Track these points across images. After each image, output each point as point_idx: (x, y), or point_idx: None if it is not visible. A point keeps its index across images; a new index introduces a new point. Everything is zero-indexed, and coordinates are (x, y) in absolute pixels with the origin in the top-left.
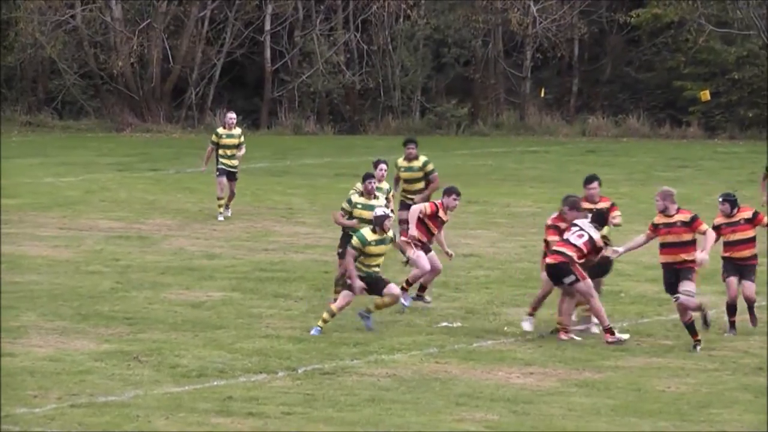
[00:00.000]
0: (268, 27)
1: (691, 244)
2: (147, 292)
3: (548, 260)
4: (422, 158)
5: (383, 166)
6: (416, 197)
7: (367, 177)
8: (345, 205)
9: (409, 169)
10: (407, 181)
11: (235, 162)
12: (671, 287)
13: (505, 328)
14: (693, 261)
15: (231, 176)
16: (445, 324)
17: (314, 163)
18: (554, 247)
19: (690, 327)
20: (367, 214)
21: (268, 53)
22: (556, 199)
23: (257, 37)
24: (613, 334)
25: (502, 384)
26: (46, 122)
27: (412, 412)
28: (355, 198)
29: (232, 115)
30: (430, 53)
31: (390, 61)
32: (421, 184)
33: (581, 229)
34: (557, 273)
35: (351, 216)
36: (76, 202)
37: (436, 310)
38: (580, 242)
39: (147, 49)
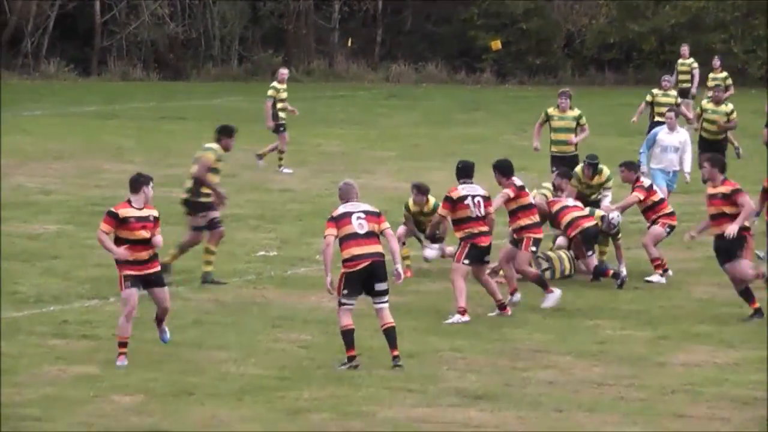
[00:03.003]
0: None
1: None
2: None
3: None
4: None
5: None
6: None
7: None
8: None
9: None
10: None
11: (285, 116)
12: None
13: (317, 257)
14: None
15: (285, 129)
16: (262, 253)
17: (141, 107)
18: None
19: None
20: None
21: (97, 6)
22: (362, 139)
23: None
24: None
25: (315, 307)
26: None
27: (233, 334)
28: None
29: (285, 71)
30: (247, 6)
31: (210, 13)
32: None
33: None
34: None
35: None
36: None
37: (253, 240)
38: None
39: None
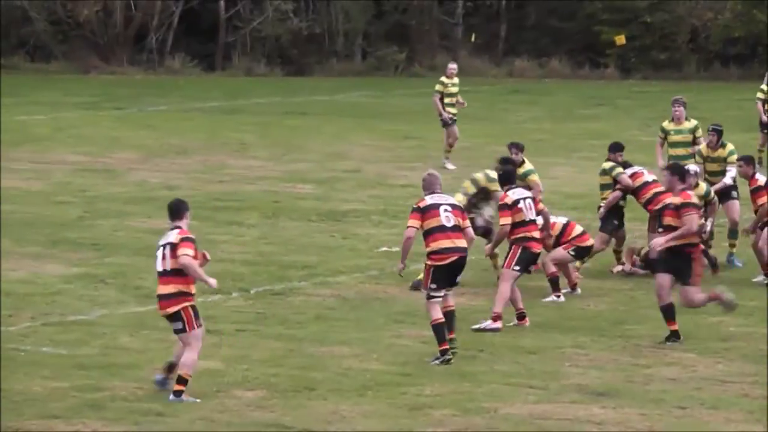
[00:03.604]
0: None
1: None
2: (112, 221)
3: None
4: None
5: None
6: None
7: None
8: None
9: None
10: None
11: (455, 110)
12: None
13: (383, 248)
14: None
15: (454, 123)
16: (384, 249)
17: (264, 102)
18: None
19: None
20: None
21: (222, 2)
22: (486, 134)
23: None
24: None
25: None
26: (18, 65)
27: (355, 329)
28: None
29: (453, 66)
30: (371, 2)
31: (334, 8)
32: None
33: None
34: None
35: None
36: (46, 138)
37: (376, 235)
38: None
39: None
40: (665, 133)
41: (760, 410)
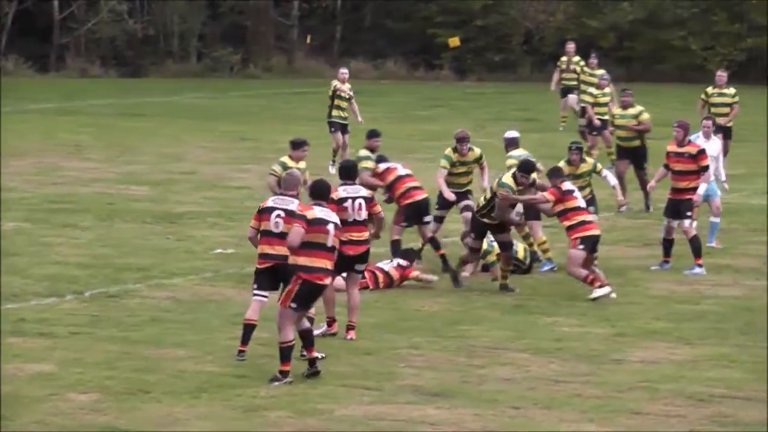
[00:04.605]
0: None
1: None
2: None
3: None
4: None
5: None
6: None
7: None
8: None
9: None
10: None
11: (346, 114)
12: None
13: (217, 249)
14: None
15: (345, 129)
16: (219, 250)
17: (100, 104)
18: None
19: None
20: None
21: (56, 2)
22: (321, 135)
23: None
24: None
25: (273, 305)
26: None
27: (191, 332)
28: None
29: (344, 71)
30: (206, 2)
31: (169, 9)
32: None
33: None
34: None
35: None
36: None
37: (211, 237)
38: None
39: None
40: (450, 163)
41: (593, 410)
